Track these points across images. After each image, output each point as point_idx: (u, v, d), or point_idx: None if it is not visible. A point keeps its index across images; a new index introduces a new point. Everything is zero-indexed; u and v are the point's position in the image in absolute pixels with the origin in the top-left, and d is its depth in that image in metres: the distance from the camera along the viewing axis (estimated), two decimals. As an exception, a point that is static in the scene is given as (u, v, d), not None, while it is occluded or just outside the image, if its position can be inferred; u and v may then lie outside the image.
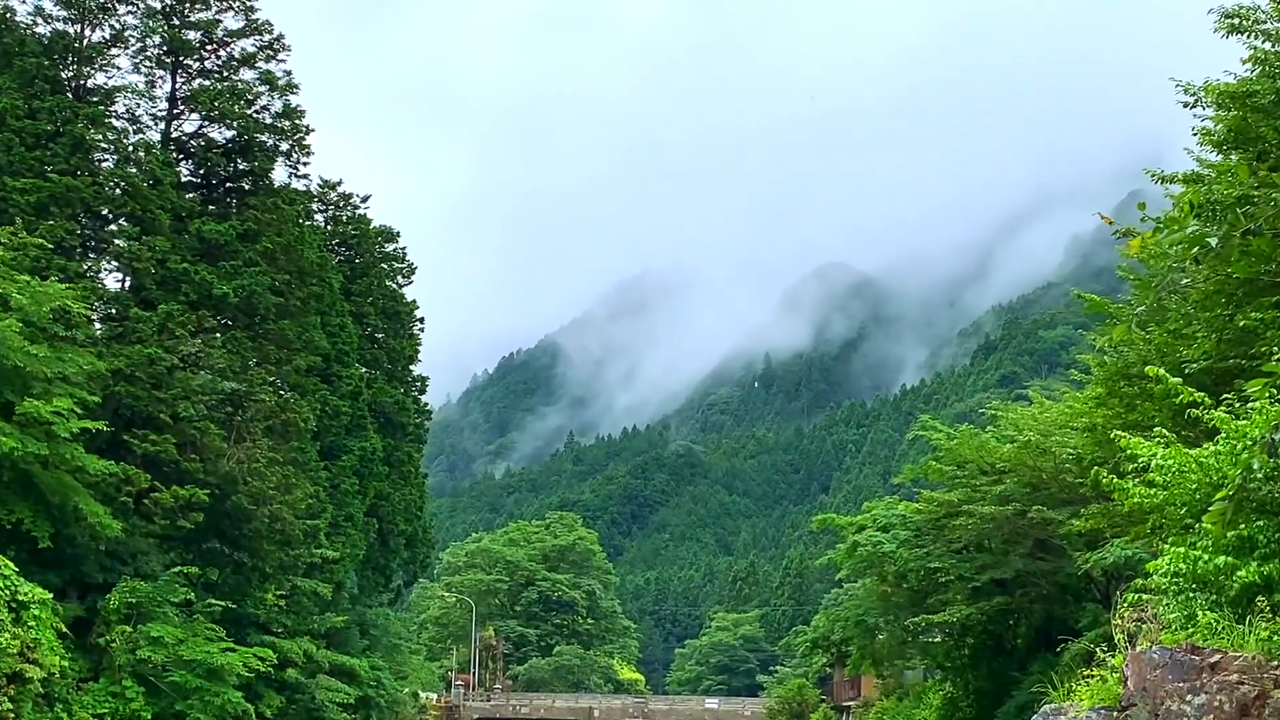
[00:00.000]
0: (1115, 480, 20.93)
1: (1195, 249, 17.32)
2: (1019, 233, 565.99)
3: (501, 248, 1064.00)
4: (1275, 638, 15.67)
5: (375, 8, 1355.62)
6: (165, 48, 59.00)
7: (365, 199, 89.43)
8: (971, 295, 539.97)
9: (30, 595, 35.55)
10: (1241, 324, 24.25)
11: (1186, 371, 25.48)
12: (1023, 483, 50.07)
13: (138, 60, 58.87)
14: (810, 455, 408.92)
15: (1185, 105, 26.86)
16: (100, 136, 56.10)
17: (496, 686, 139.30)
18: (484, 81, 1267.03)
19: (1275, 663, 15.15)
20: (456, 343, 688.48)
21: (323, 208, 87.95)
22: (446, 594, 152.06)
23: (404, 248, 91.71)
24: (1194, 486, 18.05)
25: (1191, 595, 18.52)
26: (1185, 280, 24.68)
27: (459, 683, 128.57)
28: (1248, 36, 24.90)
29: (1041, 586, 51.46)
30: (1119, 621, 21.50)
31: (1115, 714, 18.10)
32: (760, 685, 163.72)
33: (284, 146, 62.26)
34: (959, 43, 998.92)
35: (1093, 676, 20.85)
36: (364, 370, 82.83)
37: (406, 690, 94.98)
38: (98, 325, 54.29)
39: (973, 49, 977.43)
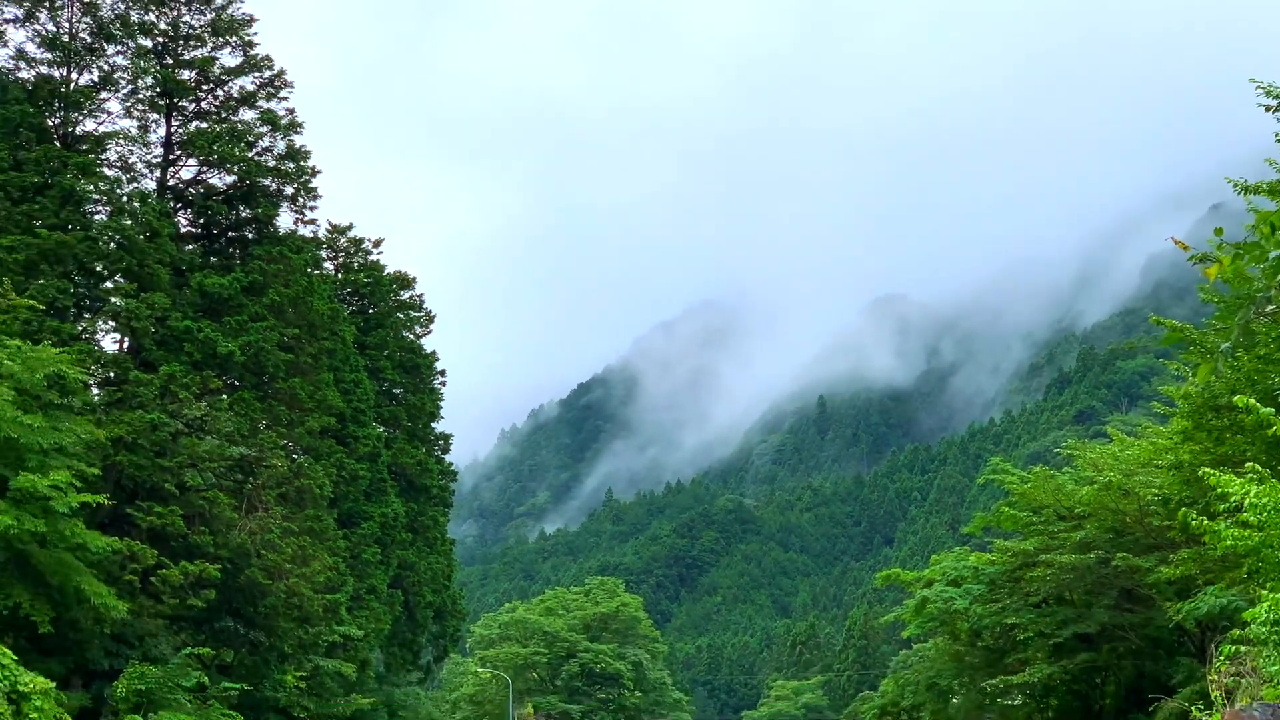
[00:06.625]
0: (1206, 522, 20.86)
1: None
2: (1092, 260, 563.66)
3: (538, 293, 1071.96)
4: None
5: (426, 31, 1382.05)
6: (158, 89, 59.43)
7: (378, 243, 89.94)
8: (1043, 327, 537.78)
9: (31, 685, 35.61)
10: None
11: None
12: (1105, 528, 49.90)
13: (129, 104, 59.29)
14: (872, 505, 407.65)
15: (1267, 109, 26.87)
16: (91, 187, 56.33)
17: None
18: (544, 101, 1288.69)
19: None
20: (498, 394, 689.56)
21: (332, 255, 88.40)
22: (481, 669, 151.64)
23: (421, 295, 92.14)
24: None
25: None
26: (1272, 307, 24.64)
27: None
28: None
29: (1130, 641, 51.15)
30: (1215, 677, 21.42)
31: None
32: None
33: (288, 190, 62.71)
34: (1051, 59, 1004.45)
35: (1189, 738, 20.78)
36: (382, 429, 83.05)
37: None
38: (95, 391, 54.45)
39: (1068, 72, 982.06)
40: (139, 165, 60.03)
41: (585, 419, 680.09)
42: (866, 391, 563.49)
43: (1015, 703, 60.57)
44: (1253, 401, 20.76)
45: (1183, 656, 49.29)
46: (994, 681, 55.85)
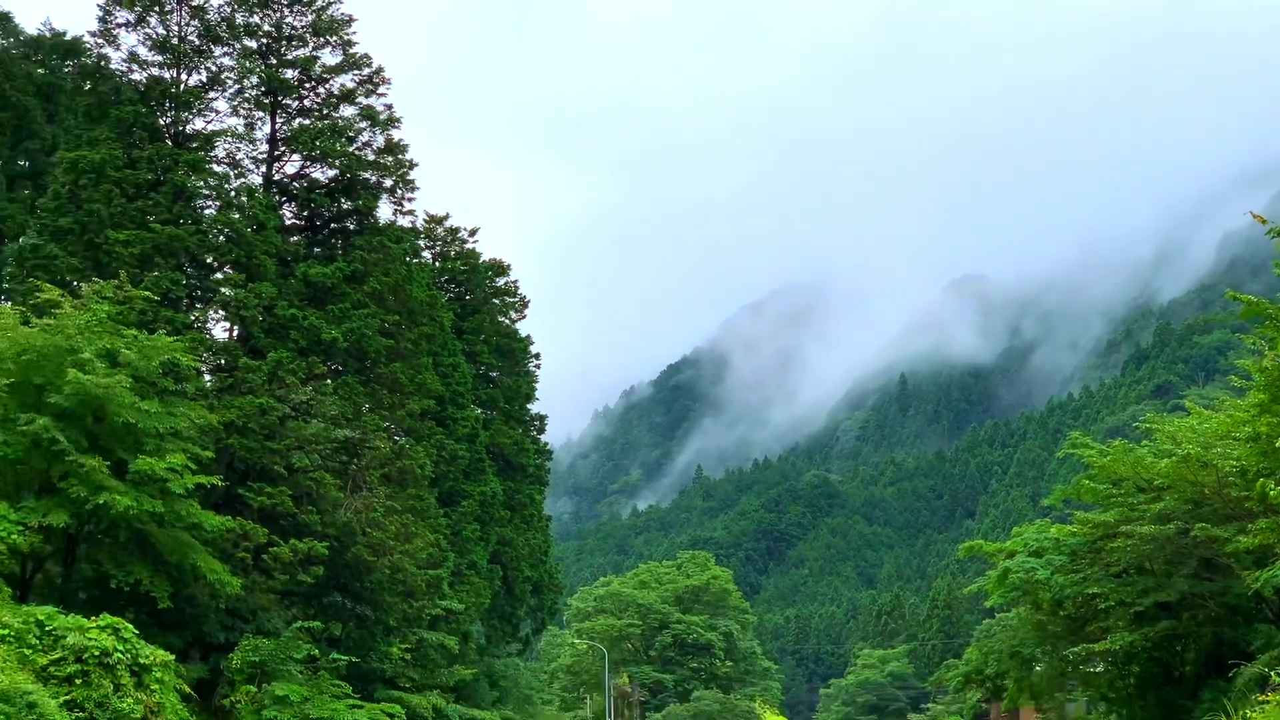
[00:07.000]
0: (1282, 492, 20.73)
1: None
2: (1169, 238, 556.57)
3: (628, 277, 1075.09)
4: None
5: (520, 25, 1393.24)
6: (263, 88, 60.02)
7: (474, 232, 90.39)
8: (1121, 304, 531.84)
9: (152, 658, 36.22)
10: None
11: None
12: (1184, 499, 49.49)
13: (236, 103, 59.88)
14: (954, 479, 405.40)
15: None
16: (201, 183, 56.99)
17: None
18: (634, 92, 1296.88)
19: None
20: (591, 375, 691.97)
21: (430, 244, 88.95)
22: (577, 641, 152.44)
23: (515, 281, 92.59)
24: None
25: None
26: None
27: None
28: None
29: (1209, 609, 50.72)
30: (1293, 642, 21.28)
31: (1293, 741, 17.97)
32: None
33: (387, 183, 63.07)
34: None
35: (1268, 702, 20.67)
36: (480, 411, 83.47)
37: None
38: (207, 377, 55.19)
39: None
40: (245, 161, 60.65)
41: (676, 398, 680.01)
42: (948, 369, 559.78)
43: (1097, 670, 60.22)
44: (1327, 374, 20.60)
45: (1261, 623, 48.85)
46: (1076, 649, 55.56)
